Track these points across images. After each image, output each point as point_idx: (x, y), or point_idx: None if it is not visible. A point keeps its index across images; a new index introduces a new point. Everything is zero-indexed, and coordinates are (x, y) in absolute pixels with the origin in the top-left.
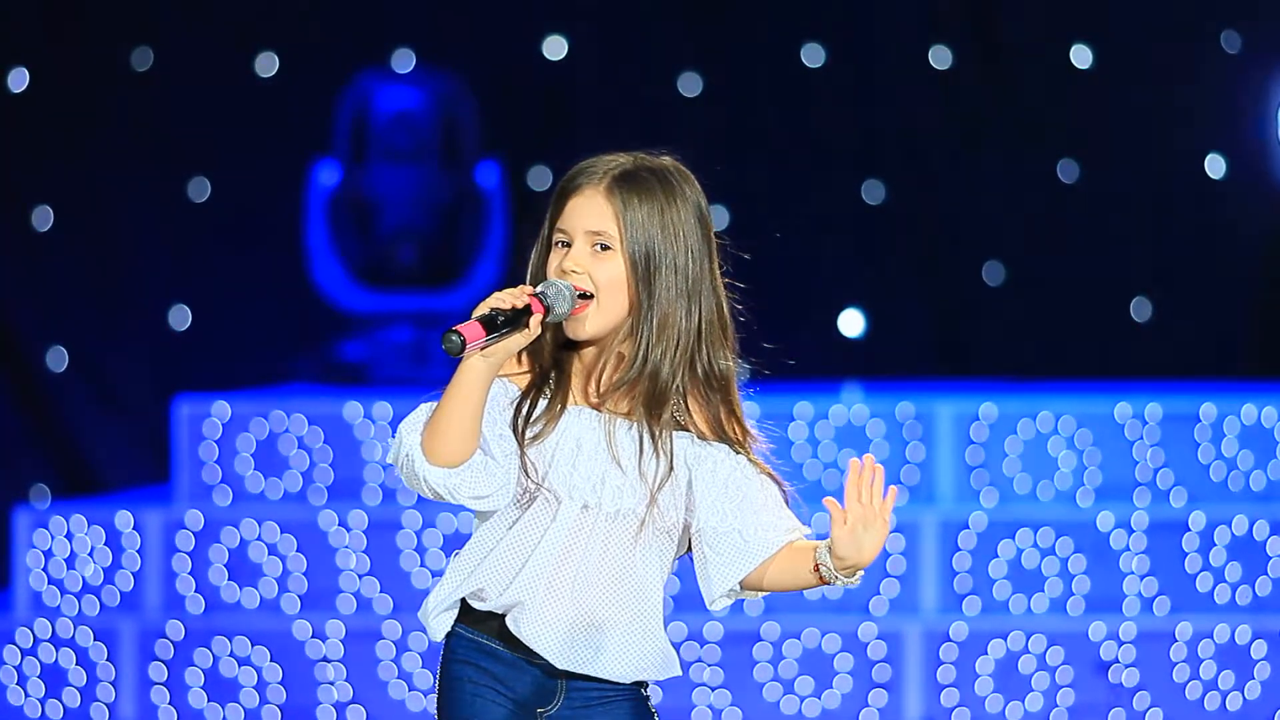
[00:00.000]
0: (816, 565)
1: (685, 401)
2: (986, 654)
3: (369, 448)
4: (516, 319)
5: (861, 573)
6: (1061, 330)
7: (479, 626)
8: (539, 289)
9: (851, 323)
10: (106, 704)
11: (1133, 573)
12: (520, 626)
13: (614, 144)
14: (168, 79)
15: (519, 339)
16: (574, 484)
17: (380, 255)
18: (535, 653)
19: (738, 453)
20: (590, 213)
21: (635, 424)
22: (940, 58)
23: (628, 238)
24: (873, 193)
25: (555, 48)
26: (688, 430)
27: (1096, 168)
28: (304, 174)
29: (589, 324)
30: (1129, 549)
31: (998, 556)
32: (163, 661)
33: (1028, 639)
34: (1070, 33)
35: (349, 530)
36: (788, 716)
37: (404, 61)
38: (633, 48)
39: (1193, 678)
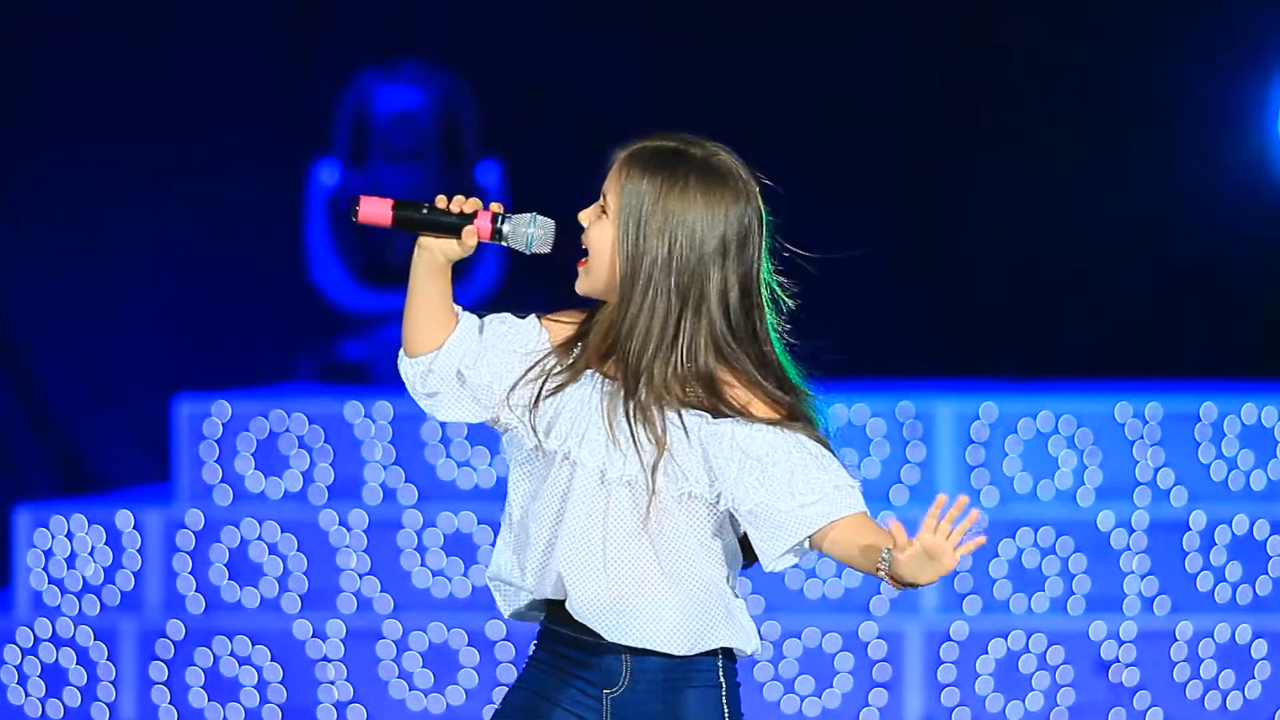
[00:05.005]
0: (878, 566)
1: (716, 376)
2: (987, 654)
3: (369, 448)
4: (443, 223)
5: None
6: (1061, 330)
7: (549, 612)
8: (505, 212)
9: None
10: (106, 704)
11: (1133, 572)
12: (572, 602)
13: (614, 144)
14: (168, 79)
15: (448, 244)
16: (585, 445)
17: (380, 255)
18: (594, 631)
19: (750, 422)
20: (609, 176)
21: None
22: (940, 57)
23: (622, 208)
24: (873, 193)
25: (555, 48)
26: (700, 408)
27: (1096, 168)
28: (304, 174)
29: (580, 281)
30: (1129, 548)
31: (998, 556)
32: (163, 661)
33: (1028, 638)
34: (1070, 33)
35: (349, 530)
36: (788, 716)
37: (404, 62)
38: (633, 48)
39: (1193, 677)
